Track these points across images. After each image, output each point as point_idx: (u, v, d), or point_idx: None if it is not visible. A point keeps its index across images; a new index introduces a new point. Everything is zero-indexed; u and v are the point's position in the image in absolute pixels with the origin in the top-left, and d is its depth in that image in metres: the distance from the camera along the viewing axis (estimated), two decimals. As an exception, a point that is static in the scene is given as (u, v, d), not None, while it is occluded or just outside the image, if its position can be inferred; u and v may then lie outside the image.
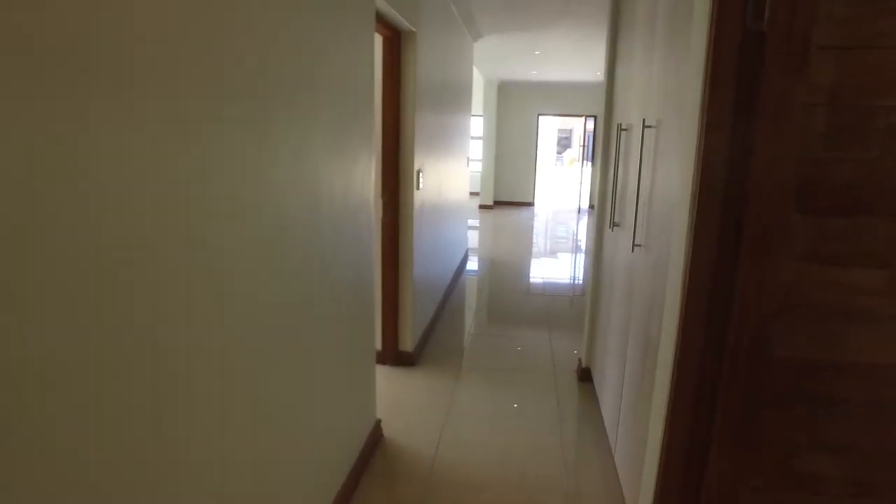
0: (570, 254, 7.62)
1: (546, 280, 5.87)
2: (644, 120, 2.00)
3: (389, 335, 3.45)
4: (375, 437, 2.57)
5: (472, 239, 8.11)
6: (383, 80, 3.10)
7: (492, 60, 8.36)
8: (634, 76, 2.37)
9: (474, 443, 2.68)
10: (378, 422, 2.66)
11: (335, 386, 1.99)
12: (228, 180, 1.22)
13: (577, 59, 7.99)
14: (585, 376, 3.30)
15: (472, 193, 12.91)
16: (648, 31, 2.10)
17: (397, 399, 3.10)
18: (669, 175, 1.68)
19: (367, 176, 2.19)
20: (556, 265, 6.84)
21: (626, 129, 2.48)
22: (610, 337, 2.60)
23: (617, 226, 2.56)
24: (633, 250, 2.08)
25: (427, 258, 3.87)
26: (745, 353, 1.45)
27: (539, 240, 8.36)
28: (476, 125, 12.98)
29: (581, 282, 5.96)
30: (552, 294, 5.28)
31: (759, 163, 1.36)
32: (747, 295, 1.42)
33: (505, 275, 6.13)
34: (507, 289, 5.58)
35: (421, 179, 3.43)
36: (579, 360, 3.46)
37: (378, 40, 3.09)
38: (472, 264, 6.42)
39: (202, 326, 1.16)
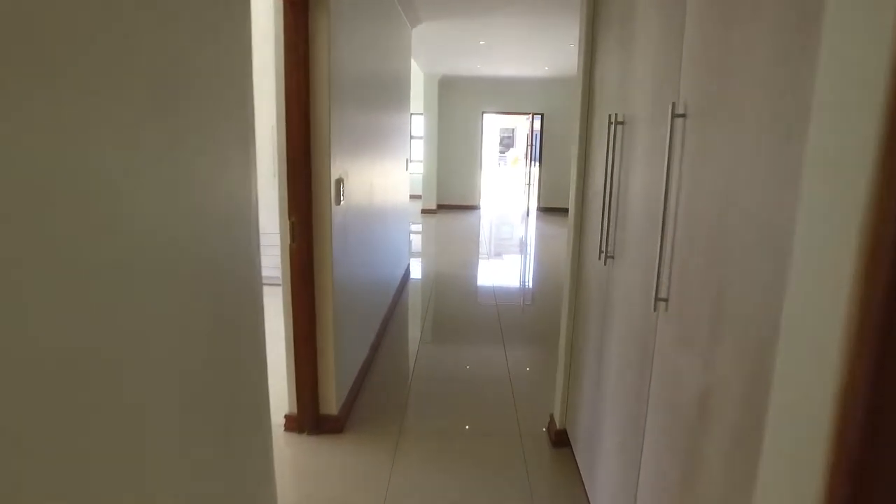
0: (518, 255, 6.97)
1: (496, 287, 5.18)
2: (673, 106, 1.29)
3: (306, 395, 2.63)
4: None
5: (416, 246, 7.34)
6: (286, 62, 2.29)
7: (433, 52, 7.61)
8: (639, 53, 1.66)
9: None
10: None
11: (188, 477, 1.17)
12: None
13: (526, 51, 7.36)
14: (561, 440, 2.59)
15: (413, 196, 12.15)
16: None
17: (315, 487, 2.29)
18: (755, 179, 0.97)
19: (246, 191, 1.38)
20: (506, 271, 6.17)
21: (622, 123, 1.78)
22: (607, 399, 1.90)
23: (611, 258, 1.86)
24: (654, 307, 1.36)
25: (355, 287, 3.07)
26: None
27: (487, 245, 7.69)
28: (416, 124, 12.19)
29: (531, 286, 5.31)
30: (503, 303, 4.59)
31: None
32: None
33: (452, 286, 5.40)
34: (454, 302, 4.85)
35: (343, 190, 2.63)
36: (551, 417, 2.75)
37: (273, 4, 2.26)
38: (416, 275, 5.66)
39: None
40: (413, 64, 8.98)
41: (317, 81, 2.34)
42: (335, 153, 2.47)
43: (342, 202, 2.61)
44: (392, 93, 4.40)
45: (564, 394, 2.57)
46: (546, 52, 7.41)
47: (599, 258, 1.92)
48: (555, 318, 4.62)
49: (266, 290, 1.57)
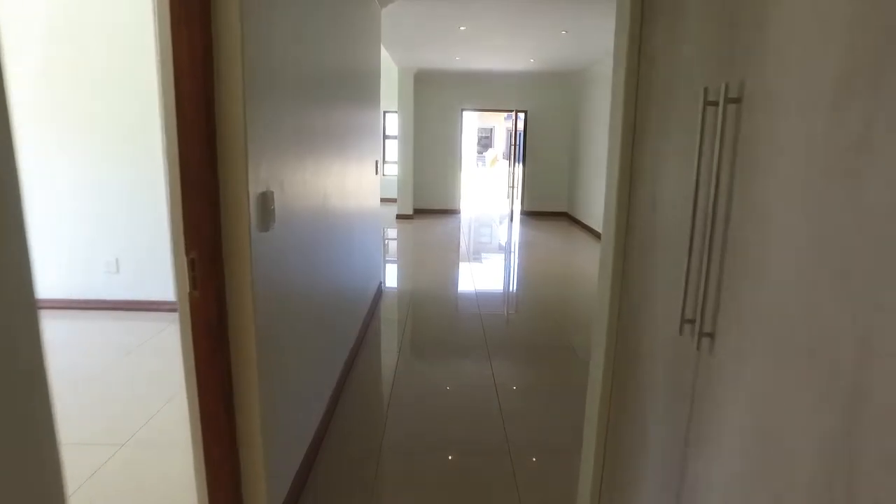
0: (504, 267, 6.23)
1: (482, 307, 4.41)
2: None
3: (223, 500, 1.83)
4: None
5: (391, 255, 6.54)
6: (173, 33, 1.48)
7: (407, 40, 6.82)
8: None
9: None
10: None
11: None
12: None
13: (510, 40, 6.61)
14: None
15: (387, 200, 11.35)
16: None
17: None
18: None
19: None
20: (491, 285, 5.41)
21: (736, 101, 1.01)
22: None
23: (708, 337, 1.09)
24: None
25: (300, 332, 2.28)
26: None
27: (468, 254, 6.92)
28: (391, 123, 11.40)
29: (518, 299, 4.56)
30: (491, 325, 3.82)
31: None
32: None
33: (432, 304, 4.62)
34: (435, 322, 4.07)
35: (275, 208, 1.84)
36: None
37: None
38: (392, 291, 4.86)
39: None
40: (386, 56, 8.18)
41: (224, 62, 1.54)
42: (258, 159, 1.67)
43: (273, 224, 1.81)
44: (356, 85, 3.61)
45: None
46: (532, 42, 6.68)
47: (681, 332, 1.15)
48: (553, 344, 4.09)
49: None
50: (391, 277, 5.80)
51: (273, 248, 1.83)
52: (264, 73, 1.72)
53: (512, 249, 7.84)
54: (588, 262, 6.71)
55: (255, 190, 1.66)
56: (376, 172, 4.55)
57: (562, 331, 4.36)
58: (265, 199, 1.74)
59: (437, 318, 4.55)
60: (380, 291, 4.95)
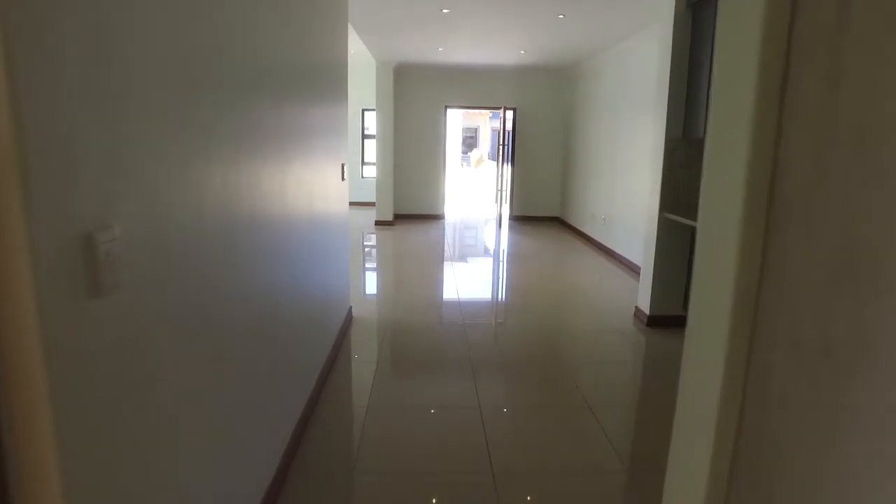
0: (494, 284, 5.50)
1: (471, 339, 3.65)
2: None
3: None
4: None
5: (367, 269, 5.75)
6: None
7: (383, 27, 6.04)
8: None
9: None
10: None
11: None
12: None
13: (499, 28, 5.87)
14: None
15: (365, 204, 10.59)
16: None
17: None
18: None
19: None
20: (482, 310, 4.68)
21: None
22: None
23: None
24: None
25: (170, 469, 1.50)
26: None
27: (456, 275, 6.18)
28: (370, 121, 10.65)
29: (510, 321, 3.83)
30: (481, 354, 3.08)
31: None
32: None
33: (415, 338, 3.87)
34: (419, 361, 3.31)
35: (117, 255, 1.06)
36: None
37: None
38: (363, 324, 4.09)
39: None
40: (363, 50, 7.41)
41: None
42: (68, 176, 0.90)
43: (116, 283, 1.03)
44: (311, 77, 2.84)
45: None
46: (524, 29, 5.95)
47: None
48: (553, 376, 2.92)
49: None
50: (366, 299, 5.02)
51: (115, 328, 1.05)
52: (88, 41, 0.94)
53: (501, 258, 7.11)
54: (583, 272, 5.99)
55: (61, 230, 0.88)
56: (343, 178, 3.78)
57: (560, 353, 3.62)
58: (89, 245, 0.96)
59: (418, 353, 3.79)
60: (349, 320, 4.18)
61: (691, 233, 4.12)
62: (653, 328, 4.26)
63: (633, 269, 6.05)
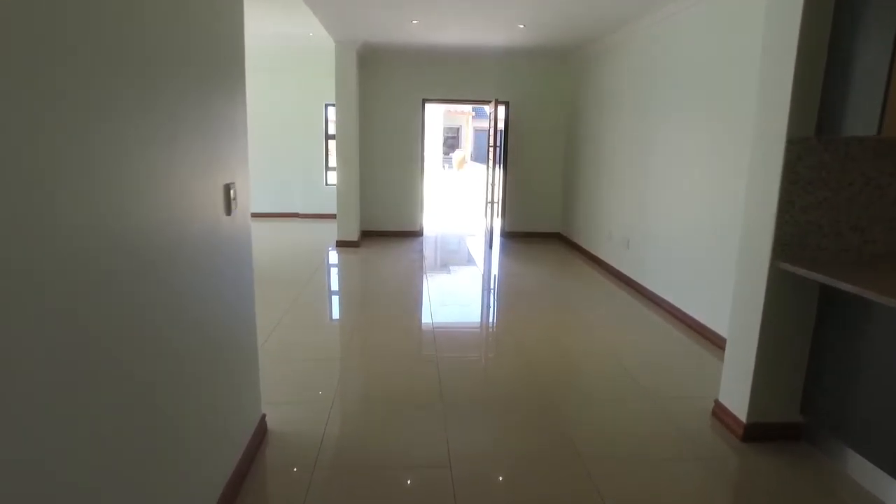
0: (488, 335, 3.84)
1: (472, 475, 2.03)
2: None
3: None
4: None
5: (304, 334, 4.00)
6: None
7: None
8: None
9: None
10: None
11: None
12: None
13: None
14: None
15: (327, 216, 8.78)
16: None
17: None
18: None
19: None
20: (482, 400, 3.02)
21: None
22: None
23: None
24: None
25: None
26: None
27: (439, 306, 4.50)
28: (332, 117, 9.00)
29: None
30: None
31: None
32: None
33: (375, 488, 2.20)
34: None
35: None
36: None
37: None
38: (284, 451, 2.40)
39: None
40: (316, 26, 5.69)
41: None
42: None
43: None
44: (145, 53, 1.15)
45: None
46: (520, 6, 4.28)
47: None
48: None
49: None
50: (301, 393, 3.31)
51: None
52: None
53: (493, 297, 5.44)
54: (607, 320, 4.32)
55: None
56: (229, 211, 2.06)
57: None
58: None
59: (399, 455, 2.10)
60: (259, 439, 2.47)
61: (824, 295, 2.50)
62: (751, 444, 2.64)
63: (684, 321, 4.42)
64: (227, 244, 2.07)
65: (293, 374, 3.34)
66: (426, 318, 4.51)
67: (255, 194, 9.63)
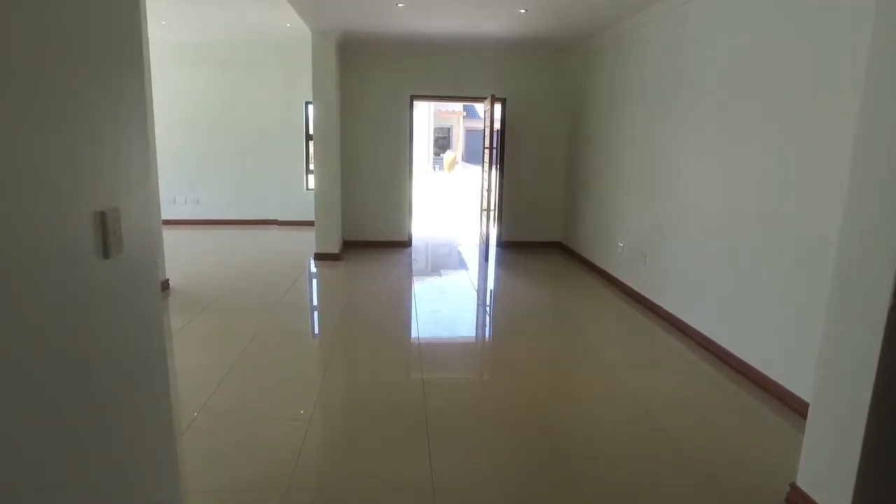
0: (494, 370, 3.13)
1: None
2: None
3: None
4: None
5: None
6: None
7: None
8: None
9: None
10: None
11: None
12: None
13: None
14: None
15: (307, 223, 7.98)
16: None
17: None
18: None
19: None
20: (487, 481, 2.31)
21: None
22: None
23: None
24: None
25: None
26: None
27: (423, 369, 3.79)
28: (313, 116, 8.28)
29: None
30: None
31: None
32: None
33: None
34: None
35: None
36: None
37: None
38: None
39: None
40: (290, 12, 4.96)
41: None
42: None
43: None
44: None
45: None
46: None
47: None
48: None
49: None
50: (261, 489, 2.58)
51: None
52: None
53: (490, 327, 4.73)
54: (634, 364, 3.63)
55: None
56: (106, 253, 1.33)
57: None
58: None
59: None
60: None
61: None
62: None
63: (719, 356, 3.72)
64: (105, 303, 1.33)
65: (226, 464, 2.61)
66: (415, 365, 3.77)
67: (229, 200, 8.84)
